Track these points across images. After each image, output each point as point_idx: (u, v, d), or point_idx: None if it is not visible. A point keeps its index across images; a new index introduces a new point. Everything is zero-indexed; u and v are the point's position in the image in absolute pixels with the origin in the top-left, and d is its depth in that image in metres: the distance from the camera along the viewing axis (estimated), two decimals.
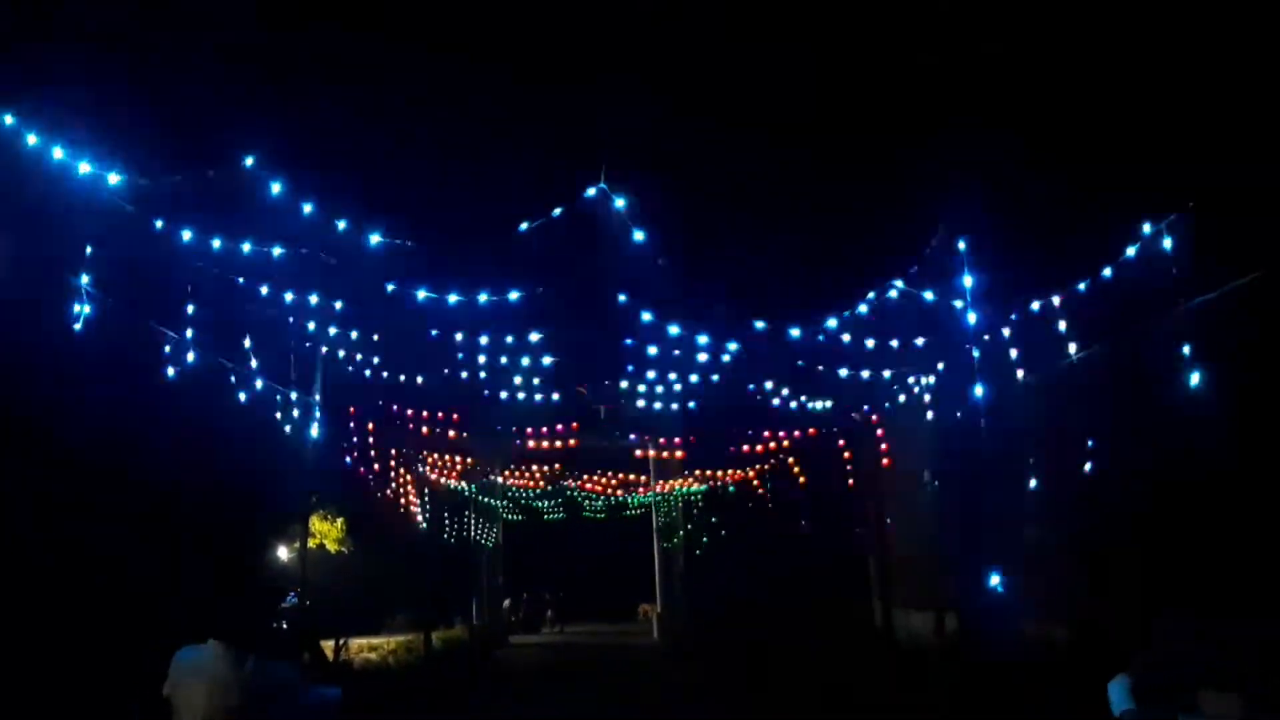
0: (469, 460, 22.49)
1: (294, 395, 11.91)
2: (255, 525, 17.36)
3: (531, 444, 19.95)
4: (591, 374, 14.08)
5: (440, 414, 17.05)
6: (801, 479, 20.98)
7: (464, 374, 13.82)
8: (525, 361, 13.07)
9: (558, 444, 20.10)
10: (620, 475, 25.71)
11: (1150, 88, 10.11)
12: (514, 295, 10.12)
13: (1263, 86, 8.67)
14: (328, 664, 11.79)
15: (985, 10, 11.72)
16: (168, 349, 9.29)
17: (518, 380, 14.28)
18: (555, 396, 15.33)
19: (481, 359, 12.80)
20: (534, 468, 24.87)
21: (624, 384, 14.69)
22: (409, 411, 16.63)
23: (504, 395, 15.07)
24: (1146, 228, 8.21)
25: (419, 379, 14.21)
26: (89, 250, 7.71)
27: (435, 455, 21.31)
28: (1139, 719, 4.16)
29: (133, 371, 9.91)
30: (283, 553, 21.09)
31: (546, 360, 13.10)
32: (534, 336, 11.83)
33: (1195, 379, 7.74)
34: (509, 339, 11.97)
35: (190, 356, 9.26)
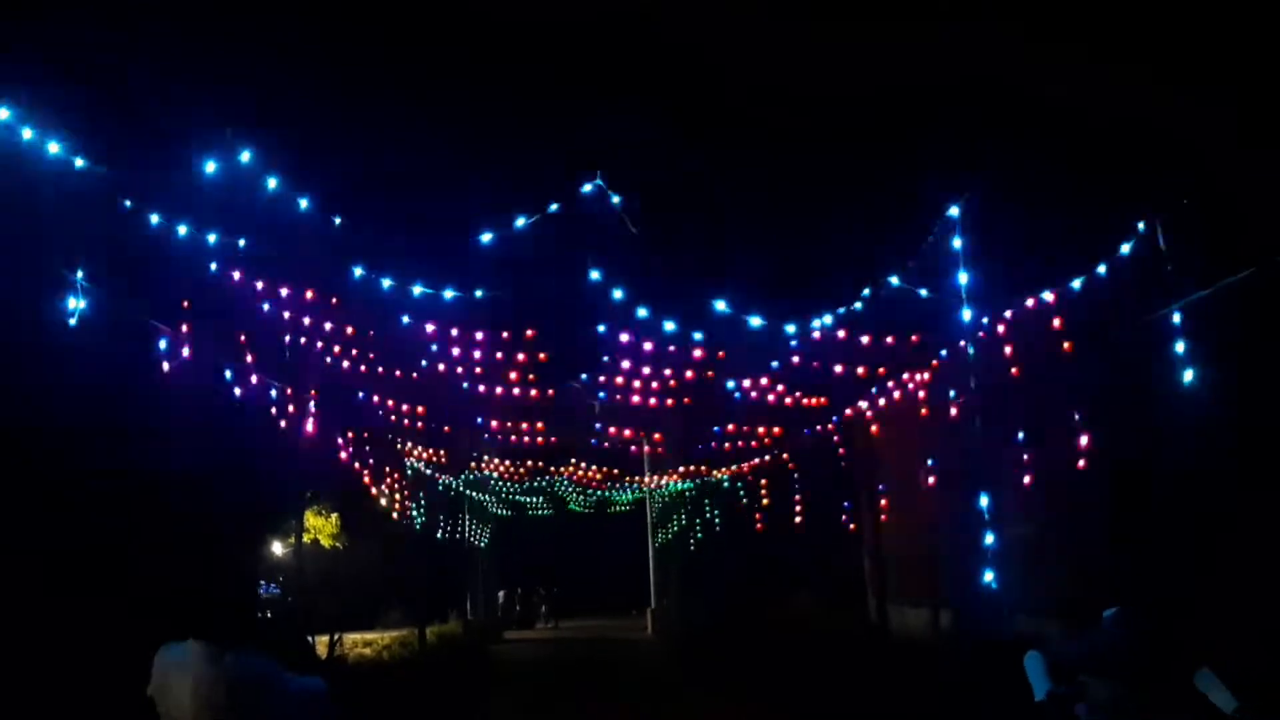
0: (462, 454, 22.48)
1: (289, 390, 11.91)
2: (246, 520, 17.36)
3: (526, 439, 19.95)
4: (587, 369, 14.07)
5: (435, 409, 17.04)
6: (796, 475, 21.01)
7: (459, 369, 13.82)
8: (521, 356, 13.07)
9: (553, 439, 20.11)
10: (614, 471, 25.73)
11: (1146, 83, 10.13)
12: (510, 291, 10.13)
13: (1256, 84, 8.70)
14: (313, 655, 11.78)
15: (984, 6, 11.74)
16: (162, 343, 9.27)
17: (514, 375, 14.28)
18: (551, 392, 15.33)
19: (477, 354, 12.80)
20: (529, 462, 24.89)
21: (619, 379, 14.68)
22: (404, 407, 16.62)
23: (499, 390, 15.08)
24: (1140, 225, 8.24)
25: (414, 374, 14.20)
26: (82, 244, 7.70)
27: (430, 450, 21.30)
28: (1056, 699, 4.40)
29: (125, 366, 9.89)
30: (277, 548, 21.11)
31: (542, 355, 13.10)
32: (530, 332, 11.83)
33: (1188, 376, 7.78)
34: (505, 334, 11.98)
35: (185, 351, 9.24)
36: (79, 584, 10.07)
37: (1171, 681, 4.38)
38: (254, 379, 10.96)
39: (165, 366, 9.16)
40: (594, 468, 25.15)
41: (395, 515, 19.68)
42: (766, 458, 22.13)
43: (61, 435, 10.17)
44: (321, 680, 4.29)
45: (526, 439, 20.00)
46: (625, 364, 13.41)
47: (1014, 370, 10.72)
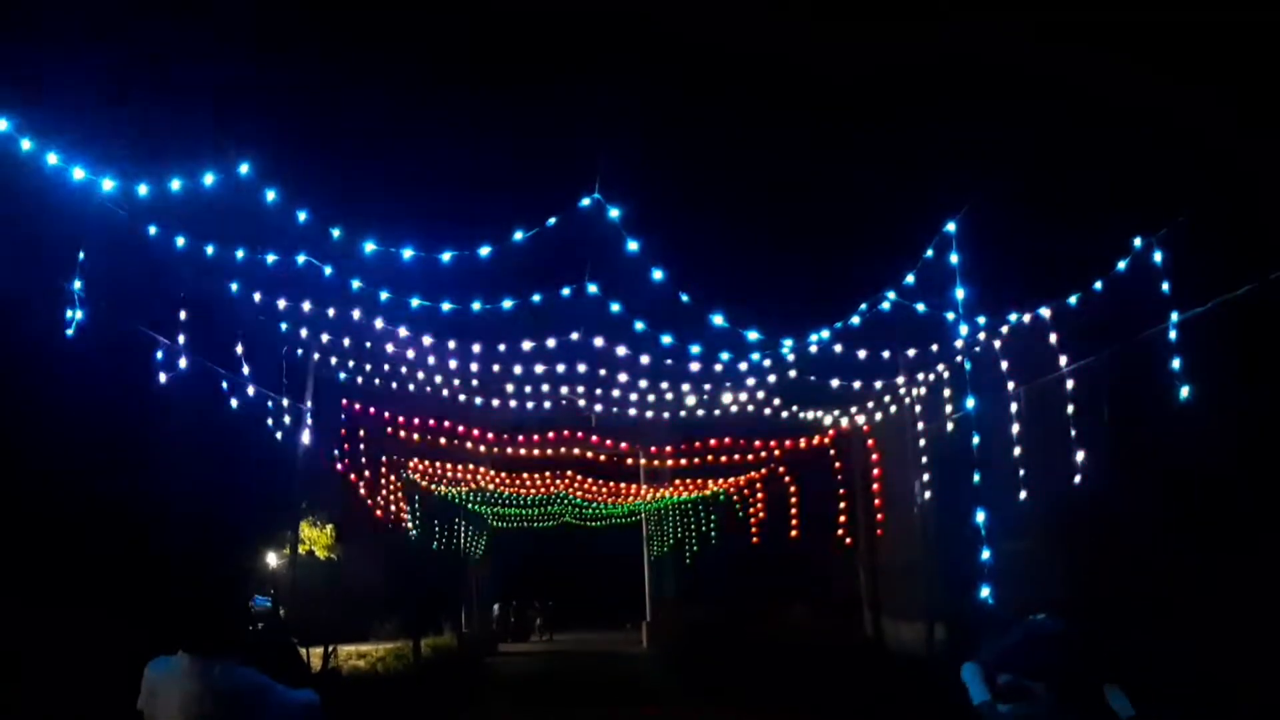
0: (458, 466, 22.42)
1: (285, 401, 11.88)
2: (239, 532, 17.33)
3: (523, 451, 19.92)
4: (583, 381, 14.05)
5: (431, 421, 17.02)
6: (792, 488, 20.99)
7: (456, 380, 13.82)
8: (517, 369, 13.06)
9: (549, 451, 20.07)
10: (611, 484, 25.67)
11: (1144, 97, 10.17)
12: (507, 304, 10.13)
13: (1255, 97, 8.73)
14: (304, 667, 11.69)
15: (980, 11, 11.79)
16: (159, 355, 9.25)
17: (510, 388, 14.27)
18: (546, 405, 15.32)
19: (474, 366, 12.80)
20: (524, 475, 24.81)
21: (615, 391, 14.68)
22: (399, 419, 16.60)
23: (495, 403, 15.08)
24: (1138, 241, 8.25)
25: (410, 386, 14.20)
26: (81, 255, 7.68)
27: (425, 462, 21.25)
28: (993, 709, 4.77)
29: (121, 376, 9.87)
30: (272, 559, 21.04)
31: (539, 368, 13.09)
32: (526, 345, 11.82)
33: (1184, 392, 7.78)
34: (501, 346, 11.98)
35: (182, 362, 9.22)
36: (69, 594, 10.03)
37: (1085, 689, 4.71)
38: (250, 390, 10.94)
39: (161, 378, 9.13)
40: (590, 480, 25.09)
41: (390, 526, 19.63)
42: (763, 470, 22.12)
43: (56, 445, 10.14)
44: (314, 693, 4.25)
45: (524, 451, 19.96)
46: (622, 376, 13.41)
47: (1010, 384, 10.73)
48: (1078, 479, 9.84)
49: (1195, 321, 7.85)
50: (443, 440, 17.83)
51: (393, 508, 19.62)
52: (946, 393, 12.76)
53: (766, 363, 12.63)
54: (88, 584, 10.27)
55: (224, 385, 10.74)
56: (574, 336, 11.51)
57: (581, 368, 12.72)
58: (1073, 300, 9.36)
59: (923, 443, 13.66)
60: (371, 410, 15.70)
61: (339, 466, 15.62)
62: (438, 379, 13.75)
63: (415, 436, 17.33)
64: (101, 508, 11.07)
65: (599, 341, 11.39)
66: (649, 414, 15.92)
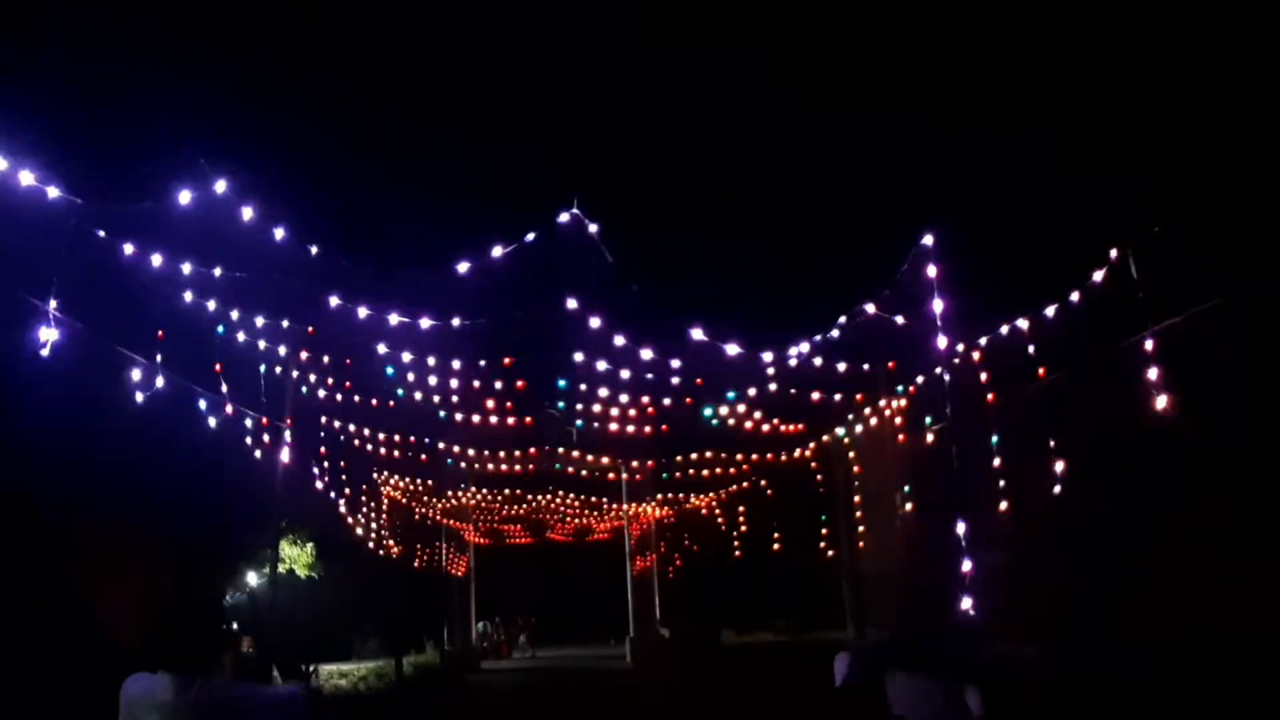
0: (439, 483, 22.34)
1: (264, 419, 11.80)
2: (218, 549, 17.20)
3: (505, 467, 19.88)
4: (564, 395, 14.03)
5: (411, 438, 16.95)
6: (774, 501, 21.02)
7: (435, 398, 13.77)
8: (498, 384, 13.04)
9: (530, 467, 20.03)
10: (591, 498, 25.64)
11: (1121, 106, 10.27)
12: (482, 319, 10.11)
13: (1234, 109, 8.84)
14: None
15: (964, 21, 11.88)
16: (136, 373, 9.16)
17: (490, 404, 14.24)
18: (527, 420, 15.29)
19: (454, 383, 12.76)
20: (505, 490, 24.76)
21: (596, 406, 14.67)
22: (380, 435, 16.52)
23: (476, 418, 15.03)
24: (1113, 252, 8.32)
25: (391, 403, 14.13)
26: (54, 275, 7.61)
27: (406, 480, 21.16)
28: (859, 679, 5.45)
29: (98, 396, 9.80)
30: (251, 578, 20.85)
31: (519, 383, 13.07)
32: (507, 360, 11.80)
33: (1160, 402, 7.83)
34: (482, 361, 11.96)
35: (159, 381, 9.13)
36: (47, 613, 9.93)
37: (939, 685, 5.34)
38: (229, 408, 10.86)
39: (139, 397, 9.04)
40: (571, 495, 25.06)
41: (371, 544, 19.51)
42: (745, 484, 22.14)
43: (33, 464, 10.05)
44: (295, 688, 4.25)
45: (504, 466, 19.92)
46: (603, 391, 13.40)
47: (989, 396, 10.77)
48: (1057, 489, 9.89)
49: (1170, 331, 7.91)
50: (423, 456, 17.76)
51: (374, 525, 19.50)
52: (926, 404, 12.80)
53: (748, 375, 12.64)
54: (64, 603, 10.17)
55: (201, 403, 10.66)
56: (555, 352, 11.50)
57: (562, 382, 12.71)
58: (1050, 311, 9.42)
59: (903, 453, 13.70)
60: (351, 427, 15.61)
61: (319, 484, 15.52)
62: (417, 395, 13.69)
63: (396, 454, 17.25)
64: (78, 525, 10.97)
65: (579, 356, 11.37)
66: (630, 428, 15.91)
